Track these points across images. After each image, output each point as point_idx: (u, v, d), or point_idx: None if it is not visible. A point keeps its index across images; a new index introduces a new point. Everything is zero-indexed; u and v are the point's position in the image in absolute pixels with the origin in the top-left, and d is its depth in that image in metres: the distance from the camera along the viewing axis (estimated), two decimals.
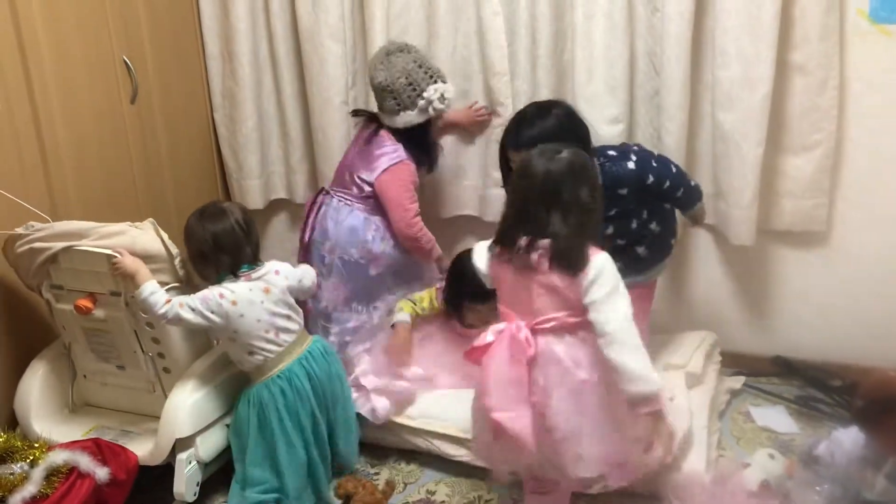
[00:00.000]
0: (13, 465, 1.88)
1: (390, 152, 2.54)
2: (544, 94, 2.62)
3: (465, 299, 2.43)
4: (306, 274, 2.30)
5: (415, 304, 2.54)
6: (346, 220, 2.61)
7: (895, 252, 2.54)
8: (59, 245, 2.12)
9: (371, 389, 2.37)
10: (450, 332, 2.57)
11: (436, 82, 2.49)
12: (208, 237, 2.11)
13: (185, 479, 2.13)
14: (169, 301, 2.05)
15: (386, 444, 2.45)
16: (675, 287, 2.84)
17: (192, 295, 2.10)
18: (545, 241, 1.73)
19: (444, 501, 2.25)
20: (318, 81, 2.85)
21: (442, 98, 2.49)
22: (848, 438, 1.84)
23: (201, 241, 2.12)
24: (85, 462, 1.90)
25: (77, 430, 2.28)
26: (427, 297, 2.55)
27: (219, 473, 2.29)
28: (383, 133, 2.57)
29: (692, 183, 2.38)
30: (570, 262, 1.72)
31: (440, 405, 2.38)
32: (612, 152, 2.27)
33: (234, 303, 2.10)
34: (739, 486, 2.04)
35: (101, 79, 2.51)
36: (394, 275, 2.65)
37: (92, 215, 2.30)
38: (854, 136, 2.48)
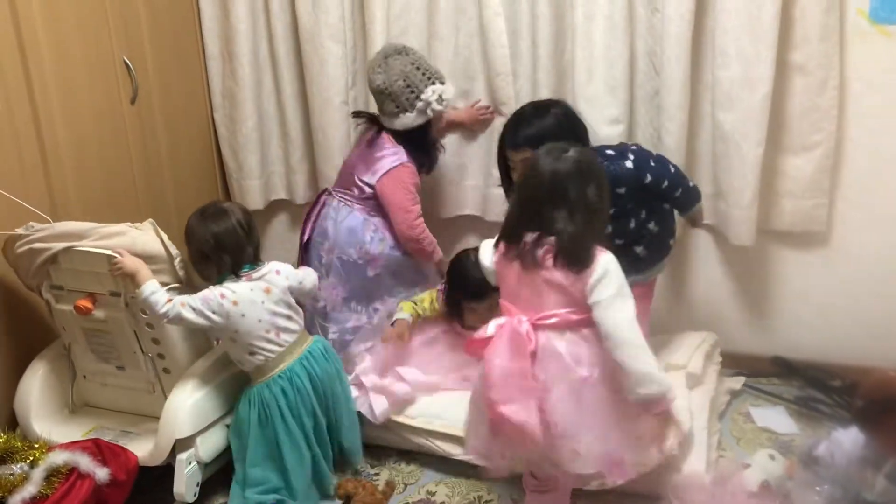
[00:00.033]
0: (13, 466, 1.88)
1: (391, 155, 2.55)
2: (544, 95, 2.62)
3: (463, 298, 2.43)
4: (308, 276, 2.30)
5: (416, 304, 2.54)
6: (345, 220, 2.63)
7: (895, 252, 2.54)
8: (59, 245, 2.12)
9: (370, 388, 2.37)
10: (451, 335, 2.57)
11: (433, 84, 2.49)
12: (210, 237, 2.11)
13: (185, 479, 2.13)
14: (170, 300, 2.05)
15: (386, 443, 2.45)
16: (676, 287, 2.84)
17: (193, 295, 2.10)
18: (551, 238, 1.74)
19: (444, 502, 2.25)
20: (318, 82, 2.85)
21: (440, 99, 2.49)
22: (848, 439, 1.84)
23: (203, 242, 2.12)
24: (85, 462, 1.90)
25: (77, 431, 2.28)
26: (428, 298, 2.55)
27: (219, 474, 2.29)
28: (384, 136, 2.58)
29: (690, 184, 2.38)
30: (575, 259, 1.73)
31: (440, 404, 2.38)
32: (610, 152, 2.27)
33: (235, 303, 2.10)
34: (739, 487, 2.04)
35: (101, 79, 2.50)
36: (392, 276, 2.66)
37: (92, 216, 2.31)
38: (854, 137, 2.48)
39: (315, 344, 2.28)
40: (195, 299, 2.09)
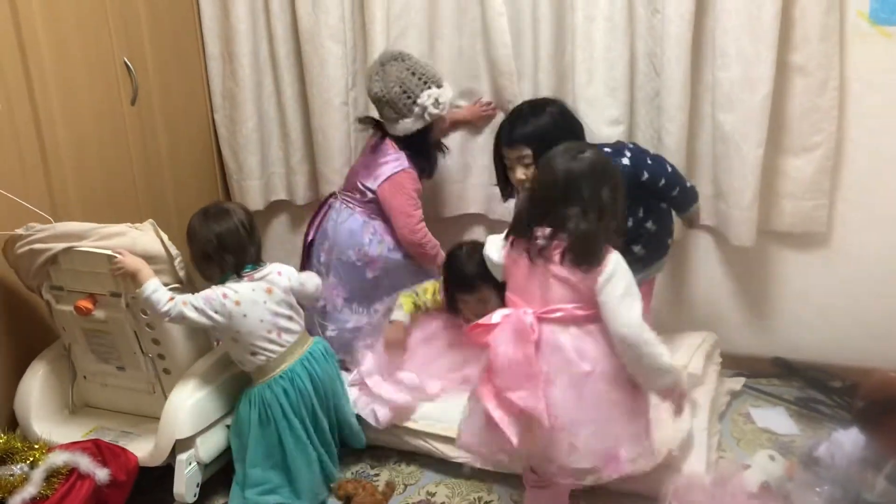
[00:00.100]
0: (13, 467, 1.88)
1: (393, 161, 2.58)
2: (545, 95, 2.62)
3: (455, 291, 2.43)
4: (310, 279, 2.31)
5: (417, 296, 2.53)
6: (345, 221, 2.65)
7: (895, 253, 2.54)
8: (60, 246, 2.12)
9: (375, 393, 2.37)
10: (452, 330, 2.56)
11: (429, 88, 2.50)
12: (212, 237, 2.12)
13: (185, 480, 2.13)
14: (172, 299, 2.06)
15: (386, 445, 2.45)
16: (676, 288, 2.84)
17: (195, 294, 2.11)
18: (563, 235, 1.76)
19: (444, 503, 2.25)
20: (319, 82, 2.85)
21: (436, 103, 2.51)
22: (848, 440, 1.84)
23: (205, 242, 2.13)
24: (85, 463, 1.90)
25: (77, 432, 2.27)
26: (431, 289, 2.54)
27: (219, 474, 2.29)
28: (387, 141, 2.61)
29: (688, 184, 2.38)
30: (585, 258, 1.74)
31: (441, 407, 2.38)
32: (607, 150, 2.27)
33: (237, 303, 2.11)
34: (740, 488, 2.03)
35: (102, 79, 2.50)
36: (391, 278, 2.66)
37: (92, 216, 2.31)
38: (854, 137, 2.48)
39: (316, 345, 2.28)
40: (197, 298, 2.09)
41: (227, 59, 2.98)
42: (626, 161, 2.22)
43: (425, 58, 2.72)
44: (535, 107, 2.33)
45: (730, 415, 2.58)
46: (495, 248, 1.93)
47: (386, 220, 2.64)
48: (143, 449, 2.14)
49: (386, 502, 2.22)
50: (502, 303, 2.25)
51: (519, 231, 1.86)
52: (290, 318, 2.21)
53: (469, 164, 2.88)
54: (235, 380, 2.28)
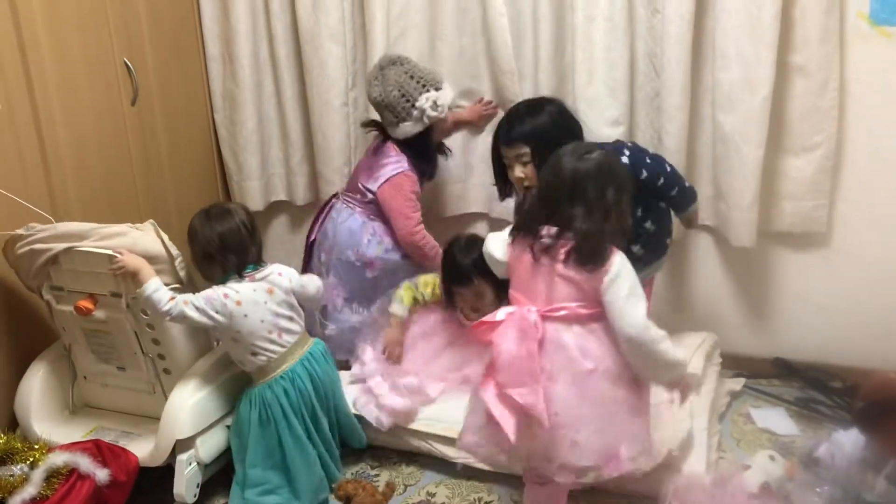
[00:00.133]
0: (13, 467, 1.88)
1: (393, 163, 2.60)
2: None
3: (451, 284, 2.44)
4: (311, 281, 2.31)
5: (417, 288, 2.54)
6: (345, 221, 2.67)
7: (895, 253, 2.54)
8: (60, 246, 2.12)
9: (377, 393, 2.37)
10: (452, 327, 2.57)
11: (427, 91, 2.51)
12: (215, 237, 2.12)
13: (186, 480, 2.13)
14: (173, 298, 2.06)
15: (386, 445, 2.45)
16: (676, 288, 2.84)
17: (196, 294, 2.11)
18: (569, 234, 1.77)
19: (444, 503, 2.25)
20: (318, 83, 2.85)
21: (434, 105, 2.51)
22: (848, 440, 1.84)
23: (208, 242, 2.13)
24: (85, 463, 1.90)
25: (77, 432, 2.28)
26: (431, 283, 2.55)
27: (219, 474, 2.29)
28: (389, 144, 2.63)
29: (687, 184, 2.39)
30: (589, 257, 1.75)
31: (441, 408, 2.38)
32: (606, 148, 2.28)
33: (238, 303, 2.11)
34: (740, 488, 2.03)
35: (102, 80, 2.51)
36: (391, 279, 2.67)
37: (92, 216, 2.31)
38: (854, 138, 2.48)
39: (316, 346, 2.29)
40: (199, 298, 2.09)
41: (227, 60, 2.98)
42: (624, 160, 2.22)
43: (426, 58, 2.72)
44: (534, 105, 2.33)
45: (730, 415, 2.58)
46: (498, 245, 1.94)
47: (386, 221, 2.65)
48: (143, 449, 2.14)
49: (386, 502, 2.21)
50: (498, 297, 2.29)
51: (524, 229, 1.87)
52: (290, 318, 2.21)
53: (470, 163, 2.88)
54: (235, 380, 2.28)
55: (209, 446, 2.19)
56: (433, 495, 2.28)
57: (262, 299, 2.15)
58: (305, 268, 2.83)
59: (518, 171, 2.30)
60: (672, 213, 2.44)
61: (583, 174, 1.78)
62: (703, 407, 2.35)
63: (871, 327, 2.60)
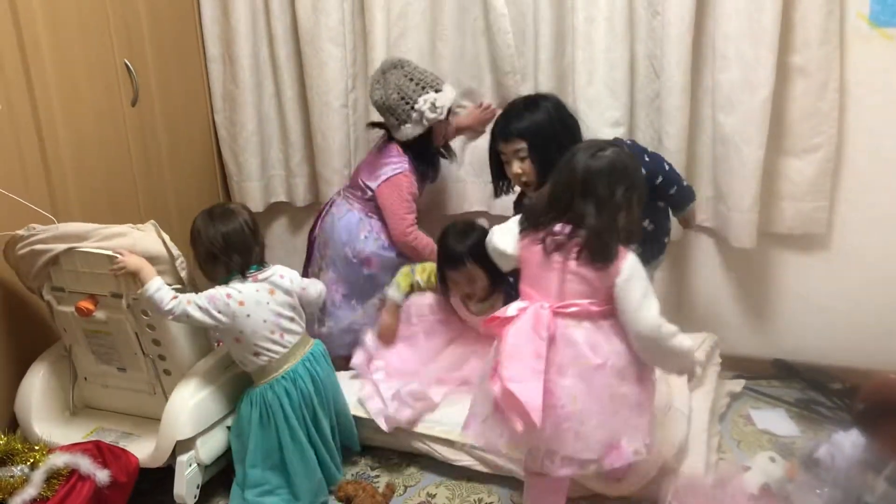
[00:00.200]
0: (13, 468, 1.87)
1: (394, 163, 2.61)
2: None
3: (445, 268, 2.44)
4: (313, 284, 2.32)
5: (414, 273, 2.56)
6: (343, 217, 2.70)
7: (895, 254, 2.54)
8: (61, 247, 2.12)
9: (387, 399, 2.37)
10: (452, 325, 2.57)
11: (426, 93, 2.52)
12: (219, 237, 2.12)
13: (186, 481, 2.13)
14: (175, 297, 2.06)
15: (386, 446, 2.45)
16: (676, 289, 2.84)
17: (199, 293, 2.11)
18: (582, 231, 1.78)
19: None
20: (318, 85, 2.85)
21: (433, 107, 2.52)
22: (848, 441, 1.84)
23: (212, 242, 2.13)
24: (85, 464, 1.90)
25: (78, 433, 2.28)
26: (429, 268, 2.56)
27: (219, 475, 2.29)
28: (392, 144, 2.65)
29: (685, 183, 2.39)
30: (597, 255, 1.77)
31: (441, 409, 2.38)
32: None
33: (241, 303, 2.11)
34: (740, 490, 2.03)
35: (102, 81, 2.51)
36: (388, 275, 2.67)
37: (92, 217, 2.31)
38: (854, 139, 2.49)
39: (316, 346, 2.29)
40: (202, 298, 2.09)
41: (227, 60, 2.98)
42: None
43: (426, 59, 2.73)
44: (530, 101, 2.35)
45: (730, 416, 2.58)
46: (507, 238, 1.94)
47: (383, 218, 2.67)
48: (143, 450, 2.14)
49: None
50: (492, 284, 2.33)
51: (535, 223, 1.87)
52: (291, 318, 2.21)
53: (471, 162, 2.88)
54: (236, 381, 2.28)
55: (209, 447, 2.19)
56: (433, 496, 2.28)
57: (265, 300, 2.15)
58: (307, 263, 2.84)
59: (516, 167, 2.31)
60: (670, 212, 2.44)
61: (595, 172, 1.79)
62: (703, 408, 2.35)
63: (871, 328, 2.61)
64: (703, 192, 2.64)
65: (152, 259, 2.11)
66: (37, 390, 2.27)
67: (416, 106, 2.51)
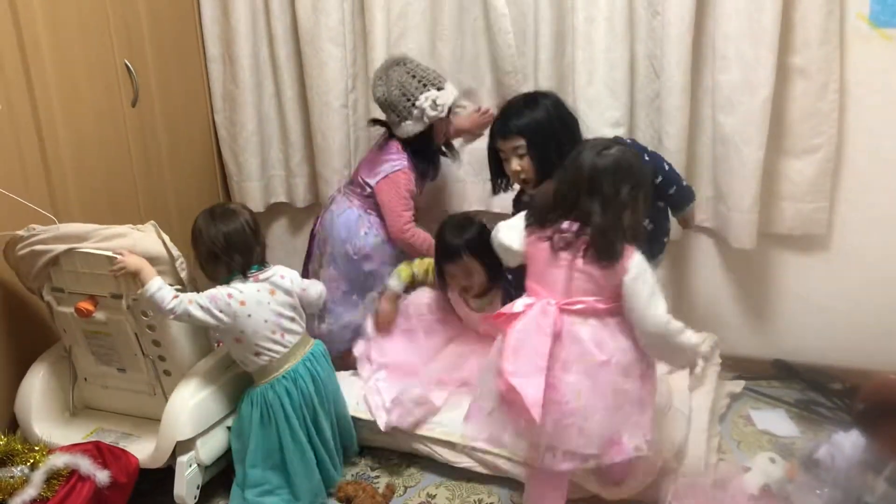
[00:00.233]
0: (13, 469, 1.88)
1: (394, 160, 2.62)
2: None
3: (442, 261, 2.45)
4: (313, 285, 2.32)
5: (411, 265, 2.59)
6: (342, 213, 2.70)
7: (895, 254, 2.54)
8: (61, 247, 2.12)
9: (390, 400, 2.37)
10: (451, 325, 2.57)
11: (428, 90, 2.52)
12: (220, 237, 2.13)
13: (186, 482, 2.13)
14: (176, 296, 2.06)
15: (386, 446, 2.45)
16: (676, 289, 2.83)
17: (200, 293, 2.11)
18: (588, 229, 1.78)
19: None
20: (318, 85, 2.85)
21: (434, 105, 2.52)
22: (848, 442, 1.84)
23: (213, 242, 2.13)
24: (85, 465, 1.90)
25: (78, 433, 2.28)
26: (427, 263, 2.58)
27: (220, 476, 2.29)
28: (393, 142, 2.65)
29: (684, 183, 2.39)
30: (602, 252, 1.77)
31: (443, 412, 2.38)
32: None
33: (242, 303, 2.11)
34: (740, 490, 2.04)
35: (102, 81, 2.51)
36: (389, 272, 2.67)
37: (92, 217, 2.31)
38: (854, 139, 2.48)
39: (317, 346, 2.30)
40: (203, 297, 2.10)
41: (227, 61, 2.98)
42: None
43: (426, 59, 2.72)
44: (529, 99, 2.35)
45: (730, 417, 2.58)
46: (513, 234, 1.94)
47: (382, 216, 2.67)
48: (143, 451, 2.14)
49: None
50: (489, 279, 2.35)
51: (542, 221, 1.87)
52: (292, 319, 2.21)
53: (470, 162, 2.88)
54: (236, 381, 2.28)
55: (210, 448, 2.19)
56: (433, 497, 2.28)
57: (266, 300, 2.15)
58: (308, 261, 2.84)
59: (515, 164, 2.31)
60: (670, 212, 2.44)
61: (600, 170, 1.79)
62: (703, 408, 2.35)
63: (871, 328, 2.61)
64: (702, 193, 2.63)
65: (152, 260, 2.11)
66: (37, 391, 2.27)
67: (418, 103, 2.51)
